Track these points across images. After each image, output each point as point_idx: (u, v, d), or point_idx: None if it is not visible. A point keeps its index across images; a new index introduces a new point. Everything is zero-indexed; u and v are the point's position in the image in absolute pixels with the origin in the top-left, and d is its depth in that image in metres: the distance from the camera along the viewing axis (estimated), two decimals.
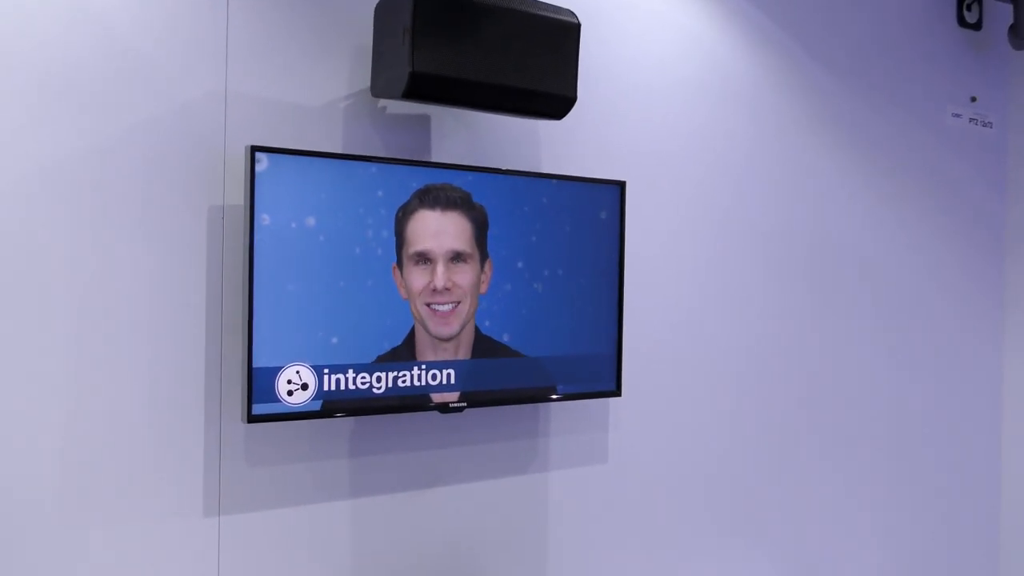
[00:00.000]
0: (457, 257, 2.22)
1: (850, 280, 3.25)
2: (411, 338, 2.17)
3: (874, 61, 3.31)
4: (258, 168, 1.98)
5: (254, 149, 1.98)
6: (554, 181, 2.39)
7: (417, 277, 2.18)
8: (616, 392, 2.51)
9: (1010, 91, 3.73)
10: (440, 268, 2.20)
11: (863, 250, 3.28)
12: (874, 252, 3.32)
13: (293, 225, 2.03)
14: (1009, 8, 3.49)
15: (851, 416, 3.27)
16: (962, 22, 3.57)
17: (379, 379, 2.14)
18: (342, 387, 2.09)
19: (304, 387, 2.05)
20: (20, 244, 1.86)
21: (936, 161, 3.51)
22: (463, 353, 2.25)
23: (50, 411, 1.89)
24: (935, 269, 3.52)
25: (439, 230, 2.20)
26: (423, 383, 2.20)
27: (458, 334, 2.23)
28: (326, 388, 2.08)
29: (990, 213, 3.70)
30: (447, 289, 2.20)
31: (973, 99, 3.62)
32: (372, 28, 2.18)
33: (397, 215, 2.15)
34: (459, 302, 2.22)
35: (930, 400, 3.51)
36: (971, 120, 3.62)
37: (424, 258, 2.18)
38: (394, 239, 2.15)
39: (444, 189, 2.20)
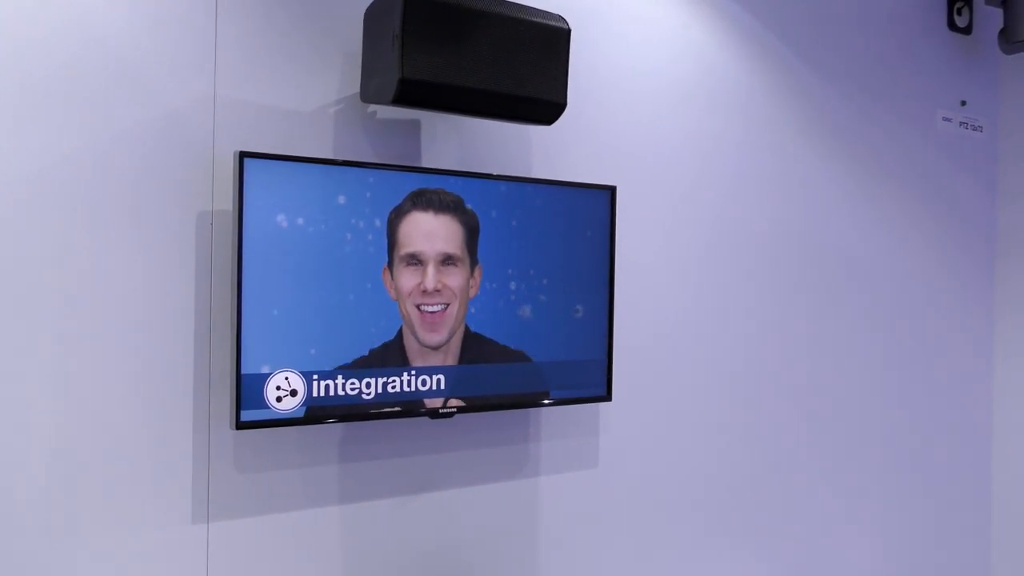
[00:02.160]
0: (448, 260, 2.22)
1: (841, 284, 3.26)
2: (400, 342, 2.17)
3: (865, 65, 3.31)
4: (247, 174, 1.97)
5: (243, 155, 1.97)
6: (544, 186, 2.39)
7: (407, 278, 2.17)
8: (606, 397, 2.51)
9: (1000, 95, 3.74)
10: (431, 270, 2.19)
11: (854, 254, 3.29)
12: (865, 256, 3.32)
13: (282, 231, 2.02)
14: (999, 12, 3.51)
15: (842, 419, 3.27)
16: (952, 26, 3.58)
17: (368, 385, 2.14)
18: (331, 393, 2.09)
19: (293, 393, 2.04)
20: (6, 249, 1.85)
21: (926, 165, 3.52)
22: (453, 358, 2.25)
23: (37, 418, 1.88)
24: (926, 273, 3.53)
25: (431, 232, 2.20)
26: (413, 388, 2.20)
27: (447, 342, 2.23)
28: (315, 394, 2.07)
29: (980, 217, 3.71)
30: (437, 291, 2.20)
31: (963, 103, 3.63)
32: (361, 34, 2.18)
33: (390, 216, 2.15)
34: (448, 304, 2.22)
35: (921, 403, 3.52)
36: (961, 124, 3.63)
37: (415, 259, 2.18)
38: (385, 241, 2.15)
39: (438, 193, 2.21)
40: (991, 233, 3.75)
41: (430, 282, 2.19)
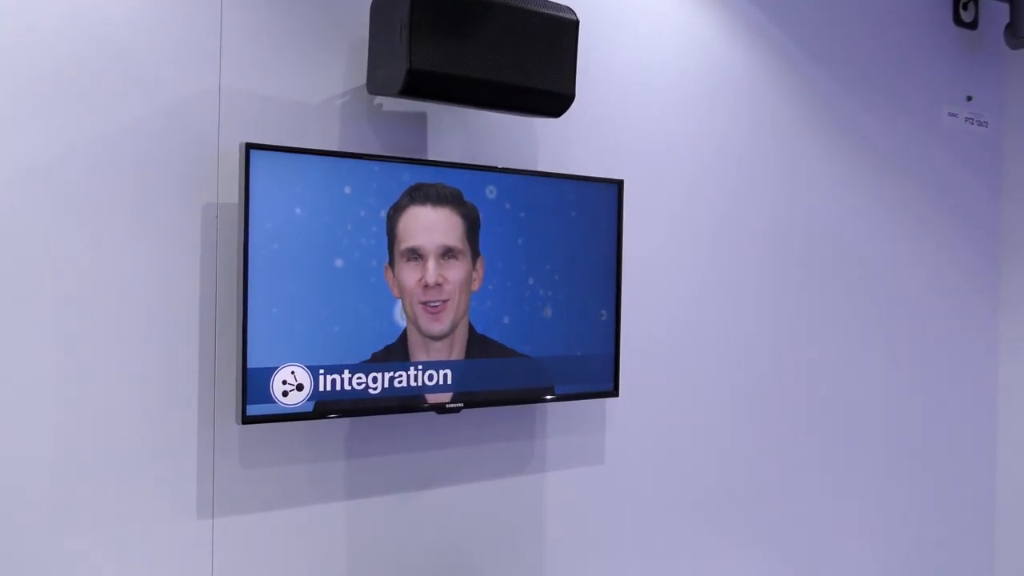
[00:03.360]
0: (448, 253, 2.20)
1: (846, 279, 3.24)
2: (404, 338, 2.15)
3: (871, 60, 3.30)
4: (253, 166, 1.95)
5: (249, 146, 1.95)
6: (551, 180, 2.37)
7: (409, 274, 2.16)
8: (614, 392, 2.50)
9: (1006, 90, 3.73)
10: (431, 263, 2.18)
11: (859, 249, 3.28)
12: (870, 251, 3.31)
13: (288, 223, 2.00)
14: (1005, 7, 3.49)
15: (848, 416, 3.26)
16: (958, 21, 3.57)
17: (375, 380, 2.12)
18: (337, 388, 2.07)
19: (299, 388, 2.02)
20: (10, 243, 1.83)
21: (932, 160, 3.50)
22: (458, 353, 2.23)
23: (41, 413, 1.86)
24: (931, 268, 3.52)
25: (429, 226, 2.18)
26: (419, 384, 2.18)
27: (450, 332, 2.21)
28: (321, 389, 2.05)
29: (985, 212, 3.70)
30: (438, 285, 2.18)
31: (969, 98, 3.61)
32: (368, 24, 2.16)
33: (389, 213, 2.13)
34: (449, 299, 2.20)
35: (926, 400, 3.51)
36: (967, 119, 3.62)
37: (415, 254, 2.16)
38: (386, 238, 2.13)
39: (435, 186, 2.19)
40: (996, 228, 3.73)
41: (431, 276, 2.17)
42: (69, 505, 1.89)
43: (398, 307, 2.15)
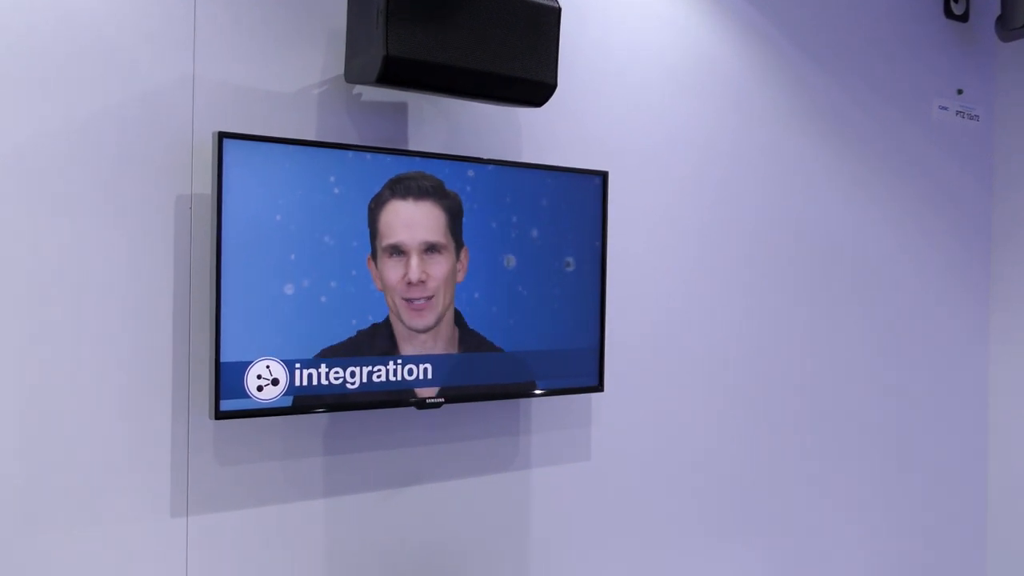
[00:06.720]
0: (431, 248, 2.16)
1: (836, 274, 3.21)
2: (387, 331, 2.11)
3: (861, 53, 3.27)
4: (226, 155, 1.91)
5: (222, 136, 1.91)
6: (535, 171, 2.33)
7: (392, 270, 2.12)
8: (599, 387, 2.46)
9: (997, 84, 3.70)
10: (414, 260, 2.14)
11: (848, 244, 3.25)
12: (860, 246, 3.28)
13: (263, 214, 1.96)
14: (996, 0, 3.46)
15: (837, 411, 3.23)
16: (949, 14, 3.54)
17: (353, 374, 2.08)
18: (314, 382, 2.03)
19: (274, 382, 1.98)
20: None
21: (922, 154, 3.48)
22: (441, 347, 2.19)
23: (10, 409, 1.82)
24: (921, 263, 3.49)
25: (412, 221, 2.14)
26: (399, 378, 2.14)
27: (434, 326, 2.17)
28: (297, 383, 2.01)
29: (976, 207, 3.67)
30: (422, 282, 2.15)
31: (960, 92, 3.59)
32: (346, 11, 2.12)
33: (370, 206, 2.09)
34: (433, 295, 2.17)
35: (917, 395, 3.48)
36: (958, 113, 3.59)
37: (398, 250, 2.12)
38: (367, 230, 2.09)
39: (416, 178, 2.14)
40: (987, 222, 3.71)
41: (414, 273, 2.14)
42: (40, 502, 1.85)
43: (380, 300, 2.11)
